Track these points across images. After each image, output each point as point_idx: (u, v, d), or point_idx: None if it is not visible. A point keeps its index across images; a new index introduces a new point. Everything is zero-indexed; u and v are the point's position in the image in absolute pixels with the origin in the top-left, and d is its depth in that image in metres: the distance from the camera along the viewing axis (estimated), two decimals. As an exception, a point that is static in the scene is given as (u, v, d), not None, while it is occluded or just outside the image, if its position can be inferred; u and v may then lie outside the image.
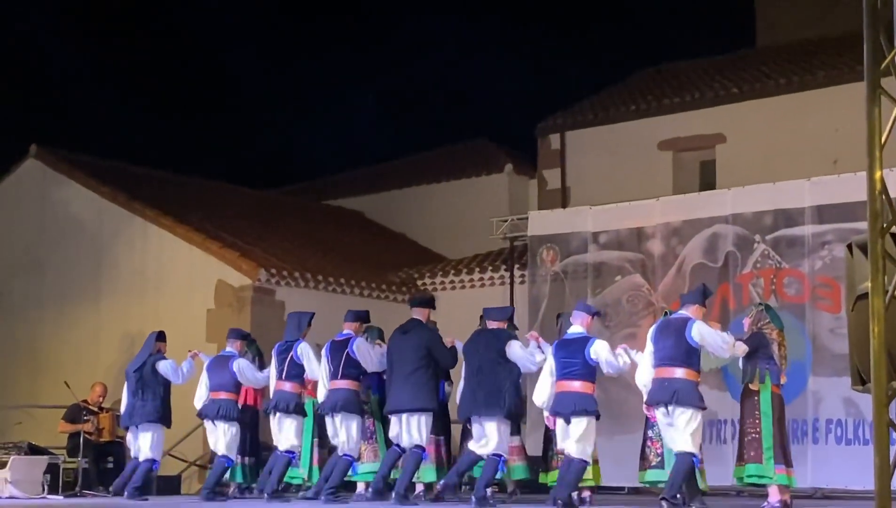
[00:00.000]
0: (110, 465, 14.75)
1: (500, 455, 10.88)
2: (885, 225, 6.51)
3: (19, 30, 28.65)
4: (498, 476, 11.27)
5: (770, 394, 10.20)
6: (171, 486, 15.18)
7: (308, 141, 34.21)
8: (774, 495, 10.14)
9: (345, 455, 11.73)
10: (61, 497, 13.52)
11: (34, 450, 14.13)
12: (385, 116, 35.74)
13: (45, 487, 13.69)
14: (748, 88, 19.35)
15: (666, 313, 10.95)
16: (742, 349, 10.28)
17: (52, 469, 13.92)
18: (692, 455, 9.78)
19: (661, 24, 33.45)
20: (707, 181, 19.23)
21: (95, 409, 14.85)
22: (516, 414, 11.15)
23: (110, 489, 13.33)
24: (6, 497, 13.23)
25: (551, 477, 11.40)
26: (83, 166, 18.81)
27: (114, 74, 32.52)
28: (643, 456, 11.14)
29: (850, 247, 6.98)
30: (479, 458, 11.04)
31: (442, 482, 11.33)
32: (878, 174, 6.52)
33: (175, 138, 32.03)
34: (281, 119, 36.80)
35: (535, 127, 21.30)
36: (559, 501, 10.15)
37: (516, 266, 16.88)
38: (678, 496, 9.80)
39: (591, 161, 20.32)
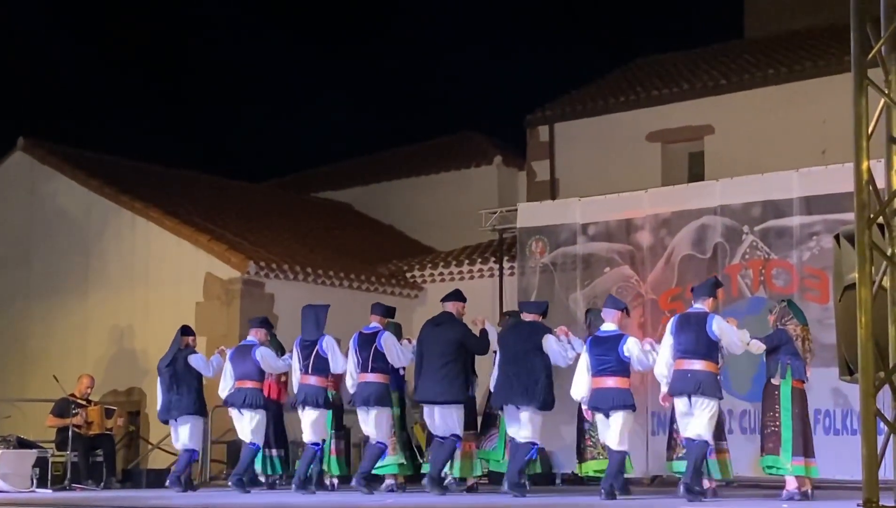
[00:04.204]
0: (99, 458, 14.70)
1: (534, 444, 11.32)
2: (871, 216, 6.52)
3: (7, 20, 28.52)
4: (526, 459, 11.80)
5: (791, 389, 10.50)
6: (159, 479, 15.14)
7: (296, 133, 34.19)
8: (791, 484, 10.42)
9: (378, 442, 12.10)
10: (50, 491, 13.51)
11: (23, 444, 14.10)
12: (374, 107, 35.73)
13: (34, 481, 13.66)
14: (736, 79, 19.36)
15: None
16: (757, 346, 10.65)
17: (40, 463, 13.90)
18: (706, 441, 10.35)
19: (650, 16, 33.47)
20: (695, 172, 19.25)
21: (84, 402, 14.81)
22: (550, 403, 11.39)
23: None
24: (-5, 491, 13.22)
25: (585, 468, 12.19)
26: (71, 159, 18.73)
27: (102, 67, 32.44)
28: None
29: (837, 238, 7.00)
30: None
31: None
32: (864, 165, 6.54)
33: (163, 131, 32.00)
34: (269, 111, 36.79)
35: (523, 119, 21.28)
36: (604, 491, 10.58)
37: (505, 258, 16.86)
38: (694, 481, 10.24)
39: (580, 153, 20.31)
